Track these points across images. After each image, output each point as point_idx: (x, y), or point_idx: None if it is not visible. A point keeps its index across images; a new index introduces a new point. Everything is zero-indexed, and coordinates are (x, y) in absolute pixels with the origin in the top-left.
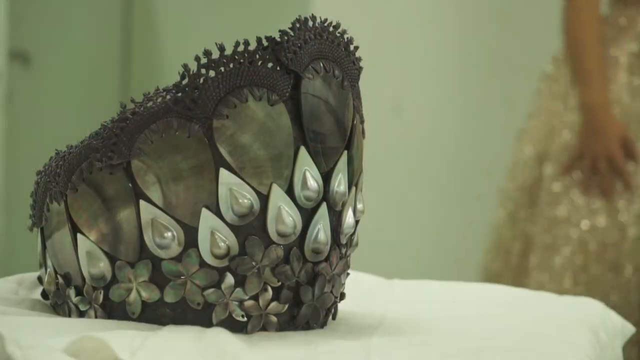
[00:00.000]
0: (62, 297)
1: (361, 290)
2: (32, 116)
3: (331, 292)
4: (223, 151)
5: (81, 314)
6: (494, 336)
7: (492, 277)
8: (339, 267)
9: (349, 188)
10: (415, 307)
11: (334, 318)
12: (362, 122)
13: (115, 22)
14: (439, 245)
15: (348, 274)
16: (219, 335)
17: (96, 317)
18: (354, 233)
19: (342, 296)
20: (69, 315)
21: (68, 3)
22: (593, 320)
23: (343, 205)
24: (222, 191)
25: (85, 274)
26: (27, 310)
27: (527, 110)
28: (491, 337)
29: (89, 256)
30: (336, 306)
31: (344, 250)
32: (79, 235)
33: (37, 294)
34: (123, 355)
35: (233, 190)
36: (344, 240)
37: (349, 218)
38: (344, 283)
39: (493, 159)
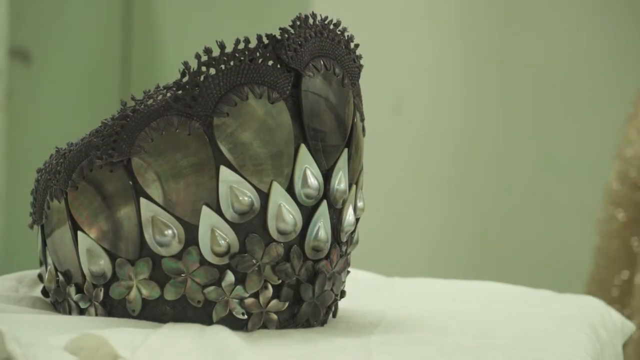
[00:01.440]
0: (62, 294)
1: (361, 288)
2: (32, 114)
3: (331, 289)
4: (223, 149)
5: (81, 312)
6: (494, 334)
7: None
8: (340, 265)
9: (350, 186)
10: (415, 305)
11: (334, 316)
12: (362, 120)
13: (115, 21)
14: (439, 244)
15: (348, 271)
16: (219, 333)
17: (96, 314)
18: (354, 231)
19: (343, 294)
20: (69, 313)
21: (68, 1)
22: (593, 317)
23: (343, 203)
24: (223, 189)
25: (86, 271)
26: (27, 308)
27: (527, 109)
28: (491, 334)
29: (89, 254)
30: (336, 304)
31: (344, 248)
32: (79, 233)
33: (37, 292)
34: (123, 353)
35: (233, 187)
36: (344, 238)
37: (349, 216)
38: (344, 281)
39: (494, 158)
